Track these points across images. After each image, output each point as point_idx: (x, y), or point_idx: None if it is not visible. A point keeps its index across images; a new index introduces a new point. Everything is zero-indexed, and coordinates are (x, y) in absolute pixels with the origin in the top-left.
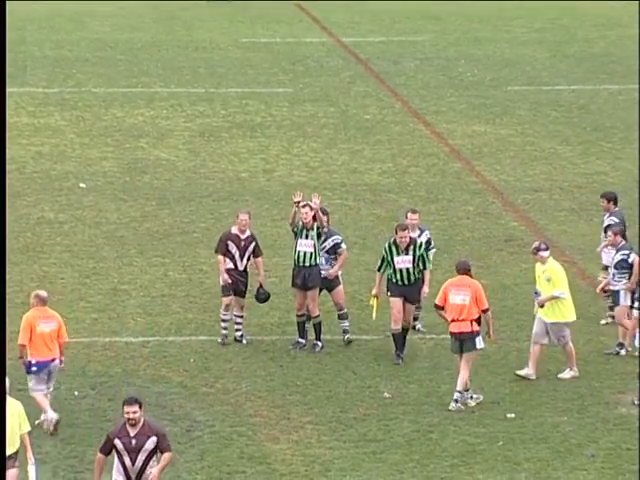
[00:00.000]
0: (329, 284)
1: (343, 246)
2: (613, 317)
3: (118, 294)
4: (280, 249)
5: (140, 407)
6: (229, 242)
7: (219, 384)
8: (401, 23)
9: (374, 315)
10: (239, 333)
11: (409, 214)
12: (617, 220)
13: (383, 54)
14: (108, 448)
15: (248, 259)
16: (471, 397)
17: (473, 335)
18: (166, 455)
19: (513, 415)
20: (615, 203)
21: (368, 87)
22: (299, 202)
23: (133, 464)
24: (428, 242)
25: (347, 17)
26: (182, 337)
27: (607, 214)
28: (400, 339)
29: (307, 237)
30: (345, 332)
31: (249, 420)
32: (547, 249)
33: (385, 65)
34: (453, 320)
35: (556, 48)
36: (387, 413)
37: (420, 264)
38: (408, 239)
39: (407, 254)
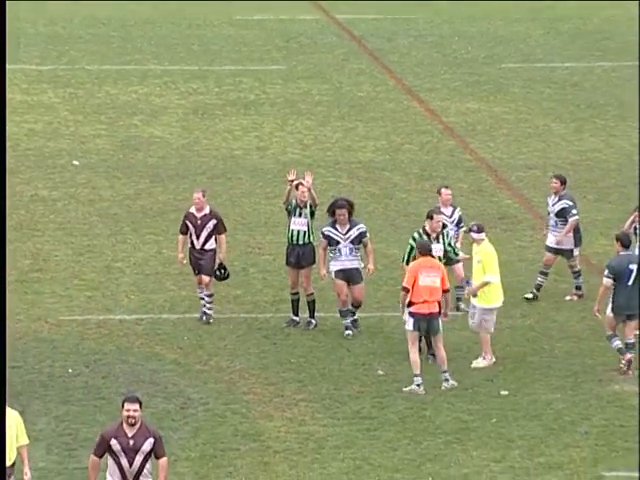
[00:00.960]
0: (351, 277)
1: (368, 235)
2: (578, 295)
3: (112, 272)
4: (274, 227)
5: (140, 406)
6: (187, 221)
7: (213, 362)
8: (395, 0)
9: None
10: (210, 312)
11: (443, 190)
12: (570, 203)
13: (377, 31)
14: (103, 449)
15: (208, 237)
16: (418, 385)
17: (439, 316)
18: (164, 463)
19: (506, 392)
20: (565, 186)
21: (362, 64)
22: (293, 180)
23: (130, 465)
24: (460, 220)
25: None
26: (176, 315)
27: (555, 196)
28: None
29: (300, 215)
30: (354, 323)
31: (243, 397)
32: (479, 231)
33: (379, 42)
34: (425, 301)
35: (550, 25)
36: (381, 390)
37: (450, 254)
38: (441, 225)
39: (438, 242)
